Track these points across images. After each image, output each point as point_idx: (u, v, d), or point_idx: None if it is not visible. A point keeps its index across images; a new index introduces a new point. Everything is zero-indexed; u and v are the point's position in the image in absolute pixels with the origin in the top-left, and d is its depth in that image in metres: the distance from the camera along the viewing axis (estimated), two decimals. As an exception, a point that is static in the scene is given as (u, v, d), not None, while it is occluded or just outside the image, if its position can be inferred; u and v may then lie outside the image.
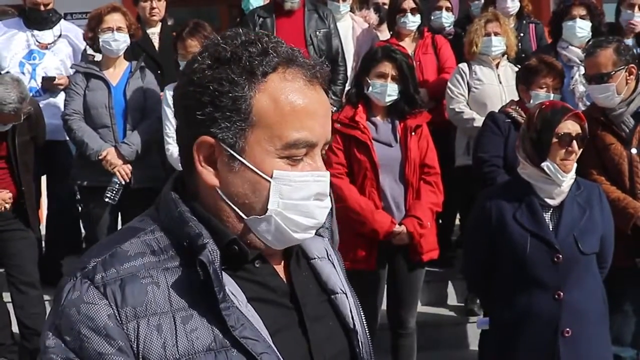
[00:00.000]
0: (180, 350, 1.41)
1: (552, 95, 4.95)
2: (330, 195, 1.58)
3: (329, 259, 1.71)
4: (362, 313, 1.71)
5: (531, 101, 4.93)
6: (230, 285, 1.47)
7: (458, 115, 5.99)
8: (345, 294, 1.68)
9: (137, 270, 1.44)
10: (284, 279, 1.60)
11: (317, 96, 1.51)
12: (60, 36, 6.54)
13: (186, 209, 1.50)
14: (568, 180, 3.77)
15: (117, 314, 1.40)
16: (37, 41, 6.45)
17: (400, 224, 4.72)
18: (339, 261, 1.75)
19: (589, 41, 5.66)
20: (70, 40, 6.58)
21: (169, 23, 7.19)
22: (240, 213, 1.51)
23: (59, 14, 6.70)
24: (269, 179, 1.48)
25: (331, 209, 1.64)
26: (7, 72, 5.84)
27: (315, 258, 1.69)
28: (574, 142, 3.70)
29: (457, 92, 6.02)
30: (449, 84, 6.12)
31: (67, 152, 6.42)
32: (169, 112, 5.45)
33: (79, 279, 1.44)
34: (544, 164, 3.72)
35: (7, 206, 5.28)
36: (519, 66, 5.81)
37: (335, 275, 1.69)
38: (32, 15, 6.49)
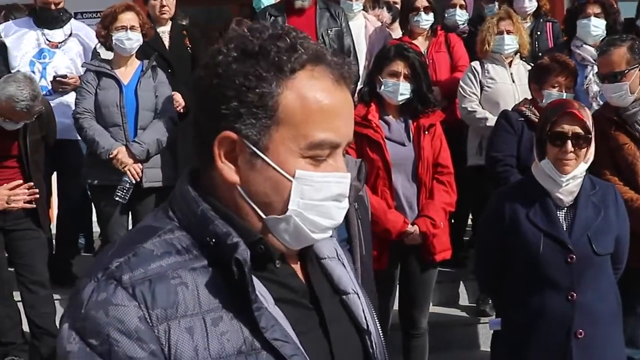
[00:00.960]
0: (212, 353, 1.37)
1: (564, 94, 4.90)
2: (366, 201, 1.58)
3: (339, 259, 1.68)
4: (374, 313, 1.68)
5: (544, 100, 4.88)
6: (258, 286, 1.43)
7: (470, 114, 5.96)
8: (357, 294, 1.65)
9: (164, 271, 1.39)
10: (302, 280, 1.57)
11: (343, 96, 1.48)
12: (70, 35, 6.54)
13: (208, 207, 1.46)
14: (567, 179, 3.64)
15: (147, 316, 1.34)
16: (47, 40, 6.45)
17: (412, 224, 4.70)
18: (349, 261, 1.72)
19: (603, 40, 5.61)
20: (80, 39, 6.59)
21: (184, 22, 7.18)
22: (260, 212, 1.47)
23: (70, 13, 6.71)
24: (291, 178, 1.44)
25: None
26: (18, 71, 5.84)
27: (325, 258, 1.65)
28: (569, 142, 3.60)
29: (470, 90, 5.98)
30: (461, 82, 6.09)
31: (77, 151, 6.42)
32: None
33: (103, 279, 1.37)
34: (542, 162, 3.68)
35: (28, 203, 5.23)
36: (532, 65, 5.77)
37: (346, 275, 1.66)
38: (43, 14, 6.49)
